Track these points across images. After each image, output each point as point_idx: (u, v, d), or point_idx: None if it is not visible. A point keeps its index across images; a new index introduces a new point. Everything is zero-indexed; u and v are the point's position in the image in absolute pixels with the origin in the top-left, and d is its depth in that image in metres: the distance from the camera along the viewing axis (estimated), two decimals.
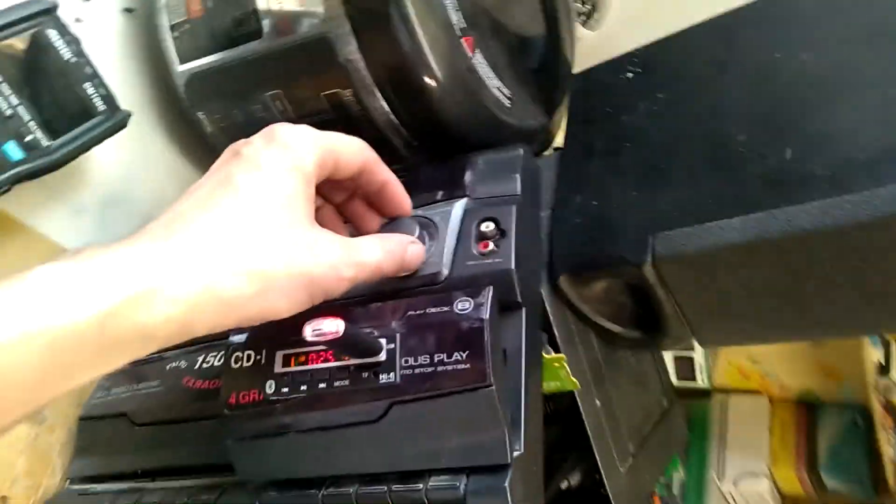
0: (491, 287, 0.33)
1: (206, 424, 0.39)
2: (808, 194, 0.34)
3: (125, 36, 0.53)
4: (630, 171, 0.44)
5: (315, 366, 0.34)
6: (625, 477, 0.45)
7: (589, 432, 0.43)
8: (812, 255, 0.35)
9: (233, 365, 0.36)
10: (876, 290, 0.35)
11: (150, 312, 0.26)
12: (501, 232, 0.38)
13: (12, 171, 0.42)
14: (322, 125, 0.34)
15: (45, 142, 0.43)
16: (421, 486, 0.31)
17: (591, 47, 0.65)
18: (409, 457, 0.32)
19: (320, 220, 0.36)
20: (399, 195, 0.39)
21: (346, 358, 0.33)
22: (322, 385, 0.33)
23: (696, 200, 0.39)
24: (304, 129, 0.33)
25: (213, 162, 0.33)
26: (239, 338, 0.36)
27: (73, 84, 0.44)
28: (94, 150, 0.46)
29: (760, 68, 0.42)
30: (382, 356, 0.32)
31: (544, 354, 0.41)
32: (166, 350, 0.44)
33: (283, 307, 0.30)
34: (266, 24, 0.45)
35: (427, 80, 0.43)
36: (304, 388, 0.33)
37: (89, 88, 0.45)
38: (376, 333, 0.33)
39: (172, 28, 0.49)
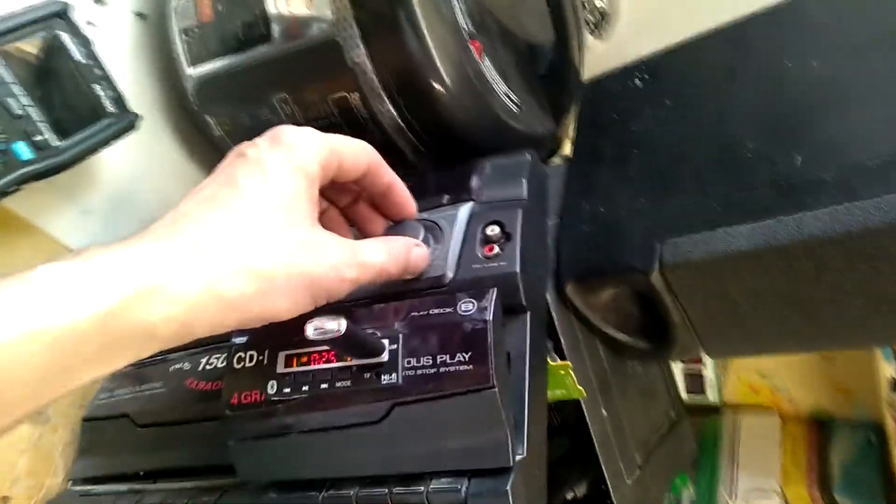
0: (495, 289, 0.33)
1: (207, 426, 0.39)
2: (818, 200, 0.34)
3: (136, 40, 0.53)
4: (638, 178, 0.43)
5: (317, 366, 0.33)
6: (631, 489, 0.44)
7: (595, 442, 0.42)
8: (821, 262, 0.34)
9: (235, 365, 0.35)
10: (886, 297, 0.34)
11: (152, 311, 0.26)
12: (507, 235, 0.37)
13: (22, 171, 0.42)
14: (329, 129, 0.34)
15: (54, 142, 0.43)
16: (422, 488, 0.31)
17: (600, 57, 0.65)
18: (411, 458, 0.32)
19: (325, 222, 0.36)
20: (404, 198, 0.38)
21: (349, 358, 0.33)
22: (324, 386, 0.33)
23: (704, 207, 0.39)
24: (309, 131, 0.33)
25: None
26: (242, 338, 0.36)
27: (84, 86, 0.45)
28: (104, 151, 0.46)
29: (769, 75, 0.42)
30: (385, 357, 0.32)
31: (550, 361, 0.41)
32: (170, 352, 0.44)
33: (283, 308, 0.30)
34: (275, 28, 0.46)
35: (434, 84, 0.43)
36: (305, 388, 0.33)
37: (100, 90, 0.45)
38: (379, 334, 0.33)
39: (183, 32, 0.50)
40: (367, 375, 0.32)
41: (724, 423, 0.76)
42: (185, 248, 0.28)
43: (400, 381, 0.31)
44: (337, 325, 0.29)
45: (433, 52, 0.42)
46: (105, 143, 0.46)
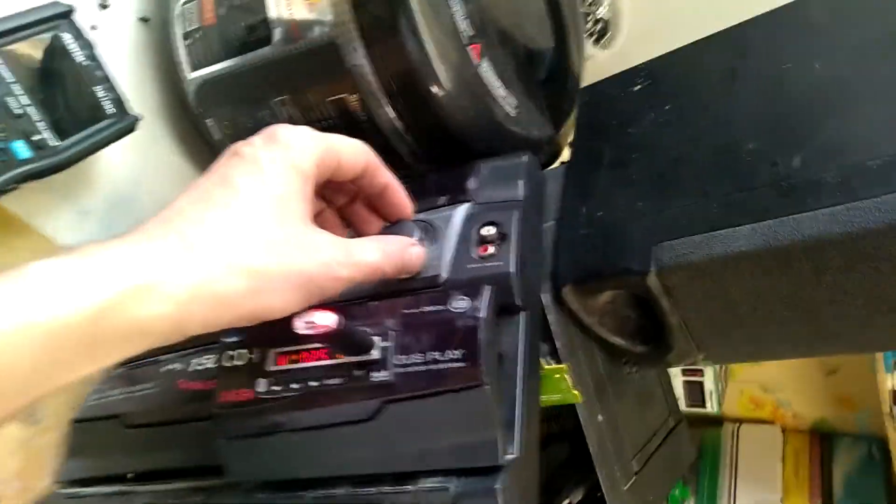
0: (489, 286, 0.33)
1: (196, 426, 0.38)
2: (818, 201, 0.34)
3: (139, 43, 0.53)
4: (637, 181, 0.43)
5: (307, 364, 0.33)
6: (628, 496, 0.44)
7: (591, 448, 0.41)
8: (821, 263, 0.34)
9: (225, 363, 0.35)
10: (886, 298, 0.34)
11: (144, 308, 0.26)
12: (502, 236, 0.37)
13: (19, 170, 0.42)
14: (328, 131, 0.34)
15: (53, 142, 0.43)
16: (411, 487, 0.30)
17: (603, 66, 0.65)
18: (402, 457, 0.32)
19: (321, 222, 0.36)
20: (400, 198, 0.38)
21: (339, 356, 0.32)
22: (314, 383, 0.32)
23: (703, 208, 0.38)
24: (305, 130, 0.33)
25: None
26: (233, 337, 0.36)
27: (85, 87, 0.45)
28: (102, 152, 0.46)
29: (769, 77, 0.42)
30: (376, 354, 0.32)
31: (546, 365, 0.40)
32: (162, 353, 0.44)
33: (276, 305, 0.30)
34: (276, 31, 0.46)
35: (433, 86, 0.43)
36: (295, 386, 0.33)
37: (100, 92, 0.46)
38: (370, 331, 0.33)
39: (185, 36, 0.50)
40: (358, 373, 0.32)
41: (725, 435, 0.75)
42: (178, 246, 0.28)
43: (391, 378, 0.31)
44: (327, 320, 0.29)
45: (432, 55, 0.42)
46: (104, 143, 0.46)
